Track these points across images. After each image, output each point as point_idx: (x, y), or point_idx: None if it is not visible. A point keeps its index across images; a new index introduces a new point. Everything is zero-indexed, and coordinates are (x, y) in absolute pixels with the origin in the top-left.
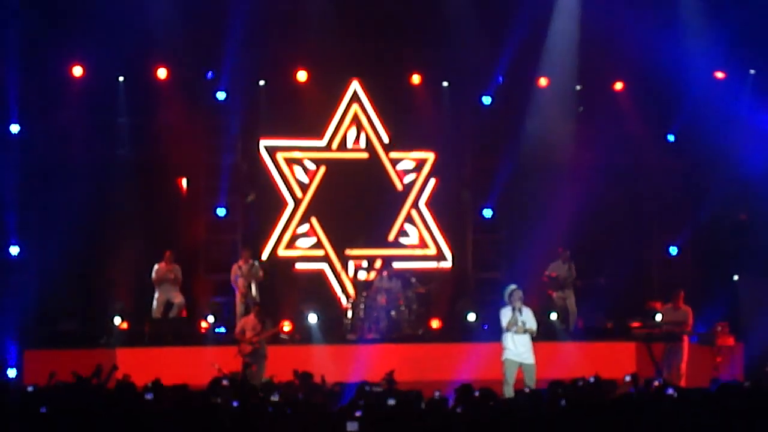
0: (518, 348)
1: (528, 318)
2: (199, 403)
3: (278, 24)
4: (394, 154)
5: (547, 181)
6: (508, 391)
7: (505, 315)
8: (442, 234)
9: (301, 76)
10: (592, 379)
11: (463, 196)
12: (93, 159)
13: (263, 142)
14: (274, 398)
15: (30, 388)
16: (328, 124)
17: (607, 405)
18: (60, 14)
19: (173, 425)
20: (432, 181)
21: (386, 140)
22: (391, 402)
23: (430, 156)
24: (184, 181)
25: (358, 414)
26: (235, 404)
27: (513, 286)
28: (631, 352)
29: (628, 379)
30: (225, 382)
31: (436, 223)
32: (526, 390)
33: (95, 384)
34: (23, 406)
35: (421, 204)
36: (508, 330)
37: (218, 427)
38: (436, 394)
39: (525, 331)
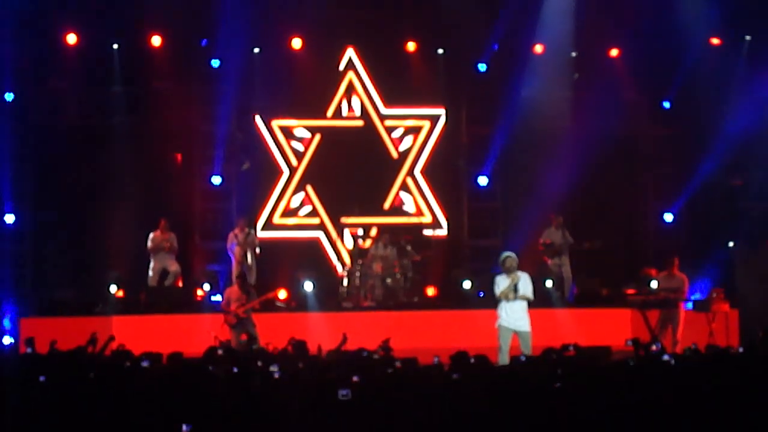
0: (512, 315)
1: (524, 284)
2: (194, 371)
3: None
4: (389, 122)
5: (542, 149)
6: (503, 359)
7: (500, 283)
8: (437, 201)
9: (296, 43)
10: (571, 347)
11: (458, 163)
12: (87, 127)
13: (258, 110)
14: (273, 368)
15: (29, 350)
16: (323, 91)
17: (603, 371)
18: None
19: (169, 393)
20: (427, 149)
21: (381, 108)
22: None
23: (425, 123)
24: (178, 150)
25: (355, 378)
26: (232, 371)
27: (507, 253)
28: (627, 319)
29: (629, 344)
30: (220, 351)
31: (431, 190)
32: (522, 358)
33: (91, 352)
34: (19, 374)
35: (417, 172)
36: (501, 298)
37: (213, 394)
38: (435, 360)
39: (516, 298)
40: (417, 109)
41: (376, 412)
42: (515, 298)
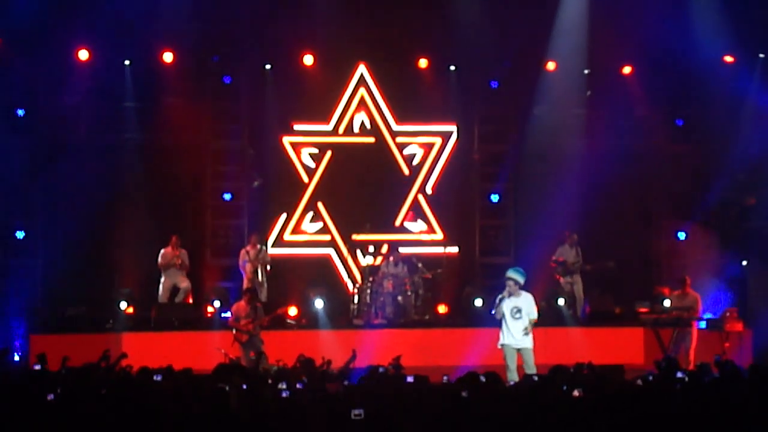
0: (514, 334)
1: (524, 304)
2: (205, 387)
3: (284, 7)
4: (400, 139)
5: (554, 166)
6: (512, 377)
7: (497, 302)
8: (449, 219)
9: (308, 59)
10: (585, 367)
11: (471, 180)
12: (99, 143)
13: (270, 127)
14: (282, 386)
15: (37, 367)
16: (335, 108)
17: (618, 390)
18: None
19: (181, 409)
20: (439, 166)
21: (393, 124)
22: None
23: (437, 140)
24: (190, 166)
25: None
26: (242, 388)
27: (508, 274)
28: (639, 338)
29: (663, 365)
30: (229, 368)
31: (443, 208)
32: (535, 378)
33: (103, 368)
34: (30, 390)
35: (428, 189)
36: (497, 317)
37: (223, 411)
38: (445, 378)
39: (519, 318)
40: (429, 125)
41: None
42: (519, 317)
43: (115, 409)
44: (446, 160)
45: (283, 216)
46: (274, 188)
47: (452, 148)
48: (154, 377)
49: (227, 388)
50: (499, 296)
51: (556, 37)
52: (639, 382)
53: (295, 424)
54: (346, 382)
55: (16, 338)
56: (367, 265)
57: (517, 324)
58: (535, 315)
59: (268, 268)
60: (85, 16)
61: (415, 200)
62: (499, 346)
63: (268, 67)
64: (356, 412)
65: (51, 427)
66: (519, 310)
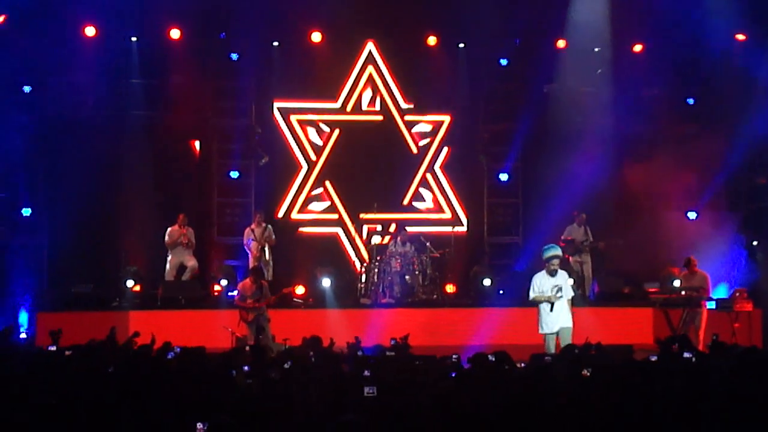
0: (554, 317)
1: (563, 282)
2: (218, 366)
3: None
4: (409, 117)
5: (563, 144)
6: None
7: (543, 285)
8: (457, 198)
9: (316, 37)
10: (593, 347)
11: (480, 159)
12: (105, 120)
13: (277, 104)
14: (287, 365)
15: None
16: (343, 86)
17: (623, 368)
18: None
19: (192, 387)
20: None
21: (401, 102)
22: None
23: (445, 119)
24: (196, 144)
25: (366, 374)
26: (247, 369)
27: (554, 251)
28: (649, 318)
29: (675, 345)
30: (247, 348)
31: (451, 186)
32: (547, 359)
33: (113, 346)
34: (37, 368)
35: (437, 167)
36: (546, 301)
37: (233, 390)
38: (454, 357)
39: (561, 297)
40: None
41: (394, 408)
42: (561, 296)
43: (124, 387)
44: (455, 139)
45: (291, 194)
46: (281, 166)
47: (461, 127)
48: (167, 354)
49: (235, 371)
50: (564, 278)
51: (566, 14)
52: (653, 358)
53: (304, 403)
54: (360, 353)
55: (24, 317)
56: (375, 245)
57: (557, 304)
58: (570, 293)
59: (274, 238)
60: None
61: (423, 179)
62: (542, 333)
63: (275, 44)
64: (368, 389)
65: (58, 405)
66: (560, 289)
